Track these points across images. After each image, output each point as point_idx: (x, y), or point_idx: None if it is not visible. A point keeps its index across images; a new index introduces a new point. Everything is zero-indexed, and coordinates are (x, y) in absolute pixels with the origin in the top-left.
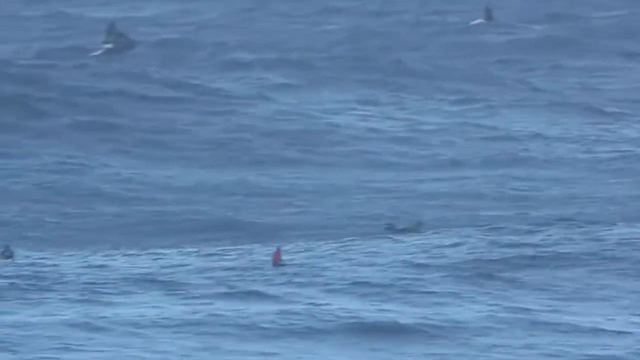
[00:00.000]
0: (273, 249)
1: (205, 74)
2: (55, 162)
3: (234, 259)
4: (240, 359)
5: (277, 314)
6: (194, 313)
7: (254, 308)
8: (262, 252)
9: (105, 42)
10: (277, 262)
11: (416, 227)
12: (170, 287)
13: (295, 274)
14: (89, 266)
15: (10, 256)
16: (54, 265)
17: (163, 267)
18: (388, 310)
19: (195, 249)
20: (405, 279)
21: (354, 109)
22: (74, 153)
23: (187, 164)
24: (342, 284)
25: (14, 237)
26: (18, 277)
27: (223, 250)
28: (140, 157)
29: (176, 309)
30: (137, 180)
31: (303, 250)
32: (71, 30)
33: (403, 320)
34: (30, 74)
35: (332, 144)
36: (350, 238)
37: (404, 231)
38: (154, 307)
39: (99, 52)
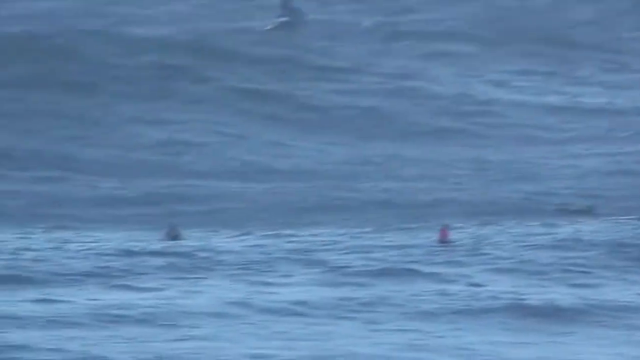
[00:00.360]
0: (438, 227)
1: (363, 50)
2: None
3: (393, 238)
4: (402, 336)
5: (438, 293)
6: (354, 292)
7: (414, 287)
8: (423, 230)
9: (281, 16)
10: (443, 240)
11: (588, 209)
12: (329, 266)
13: (458, 253)
14: (249, 245)
15: (177, 237)
16: (216, 245)
17: (323, 245)
18: (549, 292)
19: (355, 228)
20: (567, 259)
21: (515, 80)
22: (233, 121)
23: (342, 138)
24: (505, 264)
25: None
26: (180, 255)
27: (383, 228)
28: (297, 129)
29: (335, 289)
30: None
31: (465, 228)
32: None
33: (564, 301)
34: (199, 44)
35: (490, 115)
36: (514, 217)
37: (576, 212)
38: (313, 286)
39: (271, 26)
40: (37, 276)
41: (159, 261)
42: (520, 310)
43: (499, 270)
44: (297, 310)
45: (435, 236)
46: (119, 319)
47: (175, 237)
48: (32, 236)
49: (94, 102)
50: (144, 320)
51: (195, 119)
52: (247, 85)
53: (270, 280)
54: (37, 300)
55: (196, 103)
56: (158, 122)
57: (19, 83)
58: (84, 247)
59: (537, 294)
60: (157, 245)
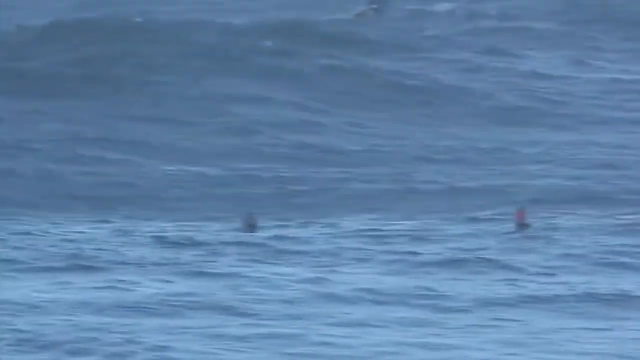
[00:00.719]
0: (515, 210)
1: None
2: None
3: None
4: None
5: (508, 282)
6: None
7: (486, 277)
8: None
9: (371, 3)
10: (520, 222)
11: None
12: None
13: (533, 238)
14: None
15: (254, 225)
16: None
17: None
18: (621, 282)
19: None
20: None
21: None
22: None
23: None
24: (578, 251)
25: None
26: (257, 245)
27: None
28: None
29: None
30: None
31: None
32: None
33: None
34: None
35: (564, 106)
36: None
37: None
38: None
39: (359, 11)
40: (104, 264)
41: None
42: (592, 298)
43: (572, 257)
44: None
45: (512, 220)
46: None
47: (251, 226)
48: (106, 224)
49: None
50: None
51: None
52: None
53: (340, 268)
54: (106, 287)
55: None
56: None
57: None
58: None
59: (608, 284)
60: (233, 234)
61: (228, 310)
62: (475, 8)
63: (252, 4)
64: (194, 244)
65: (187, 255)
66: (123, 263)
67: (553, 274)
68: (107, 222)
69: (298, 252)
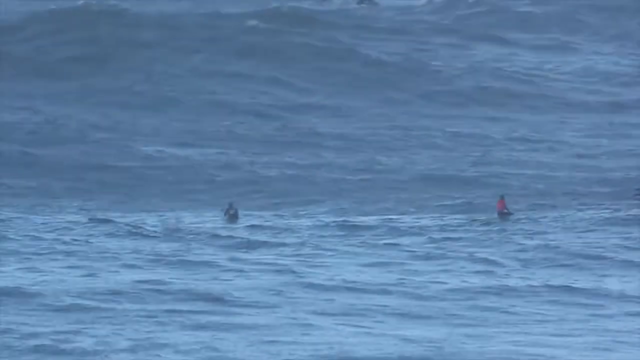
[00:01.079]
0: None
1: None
2: None
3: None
4: None
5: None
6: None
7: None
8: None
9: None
10: (501, 210)
11: None
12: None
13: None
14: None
15: (235, 215)
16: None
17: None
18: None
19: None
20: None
21: None
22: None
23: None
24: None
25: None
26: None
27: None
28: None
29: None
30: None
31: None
32: None
33: None
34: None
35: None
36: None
37: None
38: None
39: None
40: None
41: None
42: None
43: (550, 249)
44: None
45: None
46: None
47: (233, 215)
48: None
49: None
50: None
51: None
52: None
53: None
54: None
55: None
56: None
57: None
58: None
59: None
60: (212, 225)
61: (208, 298)
62: None
63: None
64: (173, 233)
65: (165, 245)
66: (99, 252)
67: (528, 267)
68: (85, 210)
69: (274, 243)
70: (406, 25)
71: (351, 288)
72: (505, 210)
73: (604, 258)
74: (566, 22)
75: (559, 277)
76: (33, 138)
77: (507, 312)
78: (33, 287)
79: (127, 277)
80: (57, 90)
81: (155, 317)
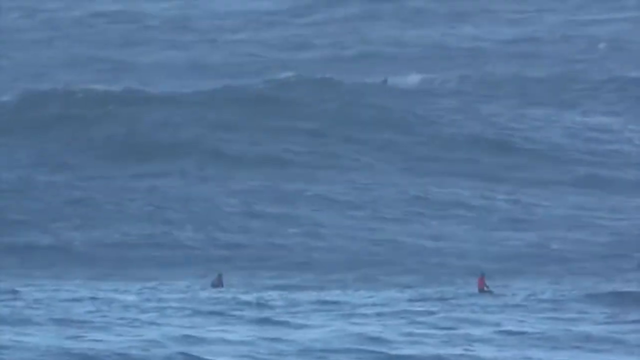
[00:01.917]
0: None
1: None
2: None
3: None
4: None
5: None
6: None
7: None
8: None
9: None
10: (481, 288)
11: None
12: None
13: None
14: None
15: (220, 284)
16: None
17: None
18: None
19: None
20: None
21: None
22: None
23: None
24: None
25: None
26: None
27: None
28: None
29: None
30: None
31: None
32: None
33: None
34: None
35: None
36: None
37: None
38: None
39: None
40: None
41: None
42: None
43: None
44: None
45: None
46: None
47: (217, 285)
48: None
49: None
50: None
51: None
52: None
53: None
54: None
55: None
56: None
57: None
58: None
59: None
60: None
61: None
62: None
63: None
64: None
65: None
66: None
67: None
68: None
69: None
70: None
71: None
72: (486, 288)
73: None
74: None
75: None
76: None
77: None
78: None
79: None
80: None
81: None
